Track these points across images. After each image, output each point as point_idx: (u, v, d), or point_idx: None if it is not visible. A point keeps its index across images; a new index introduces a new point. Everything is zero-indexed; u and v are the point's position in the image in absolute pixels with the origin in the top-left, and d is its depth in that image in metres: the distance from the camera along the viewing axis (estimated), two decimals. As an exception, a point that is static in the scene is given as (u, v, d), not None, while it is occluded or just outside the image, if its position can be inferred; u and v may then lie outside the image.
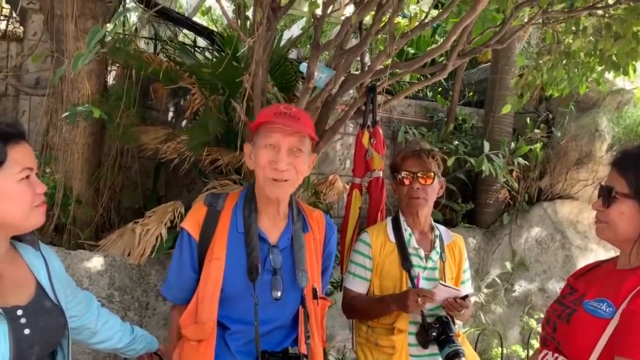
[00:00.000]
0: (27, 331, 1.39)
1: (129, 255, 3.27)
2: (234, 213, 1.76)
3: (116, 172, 3.97)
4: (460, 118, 5.50)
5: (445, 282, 2.24)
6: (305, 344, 1.71)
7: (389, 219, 2.39)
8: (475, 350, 2.80)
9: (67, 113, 3.32)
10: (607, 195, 1.51)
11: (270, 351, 1.67)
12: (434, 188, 2.29)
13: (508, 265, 5.00)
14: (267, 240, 1.74)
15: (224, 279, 1.69)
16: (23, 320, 1.39)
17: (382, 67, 2.97)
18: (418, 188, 2.25)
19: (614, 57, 3.16)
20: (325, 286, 2.00)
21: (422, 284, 2.20)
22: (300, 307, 1.75)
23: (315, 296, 1.78)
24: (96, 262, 3.19)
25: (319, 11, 2.86)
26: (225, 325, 1.72)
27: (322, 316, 1.86)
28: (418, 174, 2.25)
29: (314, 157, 1.79)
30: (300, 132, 1.66)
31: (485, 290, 4.90)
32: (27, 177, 1.42)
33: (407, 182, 2.27)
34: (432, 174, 2.26)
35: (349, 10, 2.90)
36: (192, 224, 1.75)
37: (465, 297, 2.11)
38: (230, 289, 1.70)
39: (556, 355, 1.54)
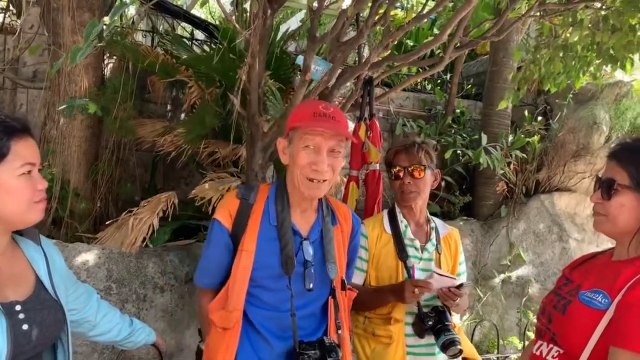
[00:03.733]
0: (25, 326, 1.39)
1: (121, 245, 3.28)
2: (266, 206, 1.80)
3: (114, 165, 3.98)
4: (459, 111, 5.50)
5: (448, 274, 2.25)
6: (337, 333, 1.78)
7: (385, 211, 2.42)
8: (471, 341, 2.81)
9: (63, 106, 3.32)
10: (607, 188, 1.49)
11: (307, 341, 1.72)
12: (426, 181, 2.31)
13: (505, 257, 5.02)
14: (299, 233, 1.79)
15: (254, 270, 1.73)
16: (21, 316, 1.39)
17: (379, 59, 2.96)
18: (409, 182, 2.28)
19: (611, 51, 3.16)
20: (350, 277, 2.04)
21: (418, 275, 2.22)
22: (331, 297, 1.81)
23: (343, 287, 1.84)
24: (94, 254, 3.20)
25: (316, 3, 2.85)
26: (256, 312, 1.77)
27: (348, 306, 1.91)
28: (409, 168, 2.28)
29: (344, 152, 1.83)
30: (339, 135, 1.69)
31: (482, 282, 4.92)
32: (29, 172, 1.42)
33: (400, 176, 2.30)
34: (424, 167, 2.28)
35: (347, 2, 2.89)
36: (224, 215, 1.78)
37: (460, 286, 2.13)
38: (261, 279, 1.74)
39: (551, 346, 1.54)
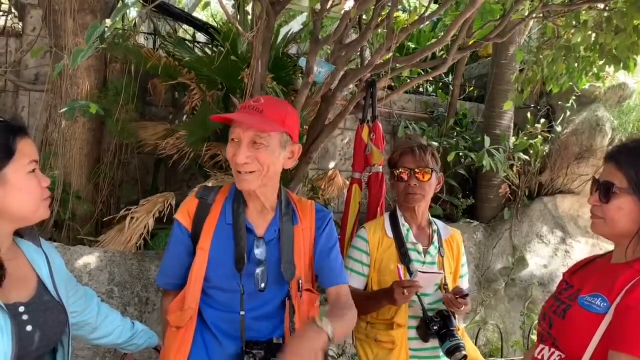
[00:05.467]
0: (29, 328, 1.39)
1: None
2: (224, 206, 1.79)
3: (116, 167, 3.98)
4: (461, 113, 5.49)
5: (445, 277, 2.24)
6: (291, 336, 1.73)
7: (386, 215, 2.39)
8: (475, 344, 2.80)
9: (65, 109, 3.32)
10: (606, 191, 1.47)
11: (255, 341, 1.70)
12: (432, 184, 2.28)
13: (509, 260, 5.00)
14: (253, 232, 1.76)
15: (209, 269, 1.72)
16: (25, 317, 1.39)
17: (381, 61, 2.96)
18: (415, 185, 2.25)
19: (614, 52, 3.15)
20: (338, 270, 1.88)
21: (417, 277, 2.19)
22: (287, 299, 1.76)
23: (299, 289, 1.77)
24: (96, 257, 3.19)
25: (319, 6, 2.85)
26: (212, 313, 1.76)
27: (310, 309, 1.83)
28: (415, 170, 2.25)
29: (297, 148, 1.77)
30: (253, 127, 1.64)
31: (485, 285, 4.90)
32: (34, 170, 1.45)
33: (404, 178, 2.27)
34: (430, 170, 2.26)
35: (350, 4, 2.90)
36: (183, 216, 1.80)
37: (466, 296, 2.11)
38: (215, 278, 1.73)
39: (552, 350, 1.53)
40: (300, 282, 1.77)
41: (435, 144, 4.86)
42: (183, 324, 1.72)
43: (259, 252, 1.74)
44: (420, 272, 2.07)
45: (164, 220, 3.40)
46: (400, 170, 2.28)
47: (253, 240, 1.75)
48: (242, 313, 1.69)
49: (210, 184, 3.45)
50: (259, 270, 1.71)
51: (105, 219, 3.51)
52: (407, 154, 2.28)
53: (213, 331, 1.75)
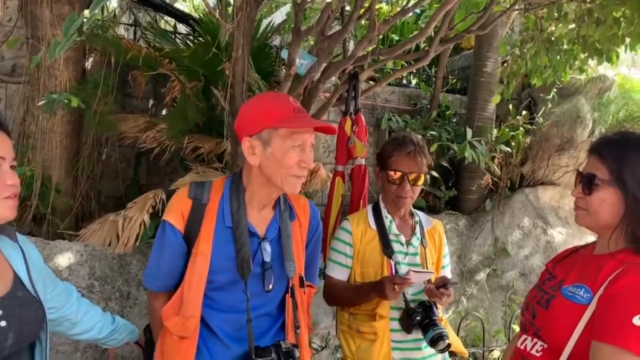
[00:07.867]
0: (3, 323, 1.36)
1: (109, 245, 3.23)
2: (220, 206, 1.70)
3: (95, 160, 3.93)
4: (444, 105, 5.51)
5: (427, 268, 2.25)
6: (295, 333, 1.72)
7: (369, 206, 2.38)
8: (457, 334, 2.82)
9: (43, 101, 3.26)
10: (588, 183, 1.49)
11: (263, 347, 1.66)
12: (422, 185, 2.29)
13: (490, 251, 5.05)
14: (256, 234, 1.71)
15: (211, 273, 1.65)
16: None
17: (364, 53, 2.95)
18: (408, 189, 2.23)
19: (596, 44, 3.18)
20: (314, 272, 1.97)
21: (402, 270, 2.20)
22: (289, 296, 1.74)
23: (302, 284, 1.77)
24: (76, 252, 3.15)
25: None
26: (214, 315, 1.70)
27: (308, 304, 1.85)
28: (411, 176, 2.23)
29: None
30: (312, 128, 1.68)
31: (467, 276, 4.95)
32: None
33: (397, 182, 2.24)
34: (424, 173, 2.25)
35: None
36: (176, 217, 1.69)
37: (444, 285, 2.11)
38: (217, 282, 1.68)
39: (535, 340, 1.54)
40: (302, 276, 1.78)
41: (419, 135, 4.88)
42: (188, 334, 1.65)
43: (266, 253, 1.70)
44: (412, 271, 2.07)
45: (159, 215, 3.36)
46: (394, 173, 2.23)
47: (257, 242, 1.71)
48: (249, 320, 1.64)
49: (190, 177, 3.43)
50: (266, 272, 1.69)
51: (92, 224, 3.45)
52: (402, 157, 2.23)
53: (217, 333, 1.70)
